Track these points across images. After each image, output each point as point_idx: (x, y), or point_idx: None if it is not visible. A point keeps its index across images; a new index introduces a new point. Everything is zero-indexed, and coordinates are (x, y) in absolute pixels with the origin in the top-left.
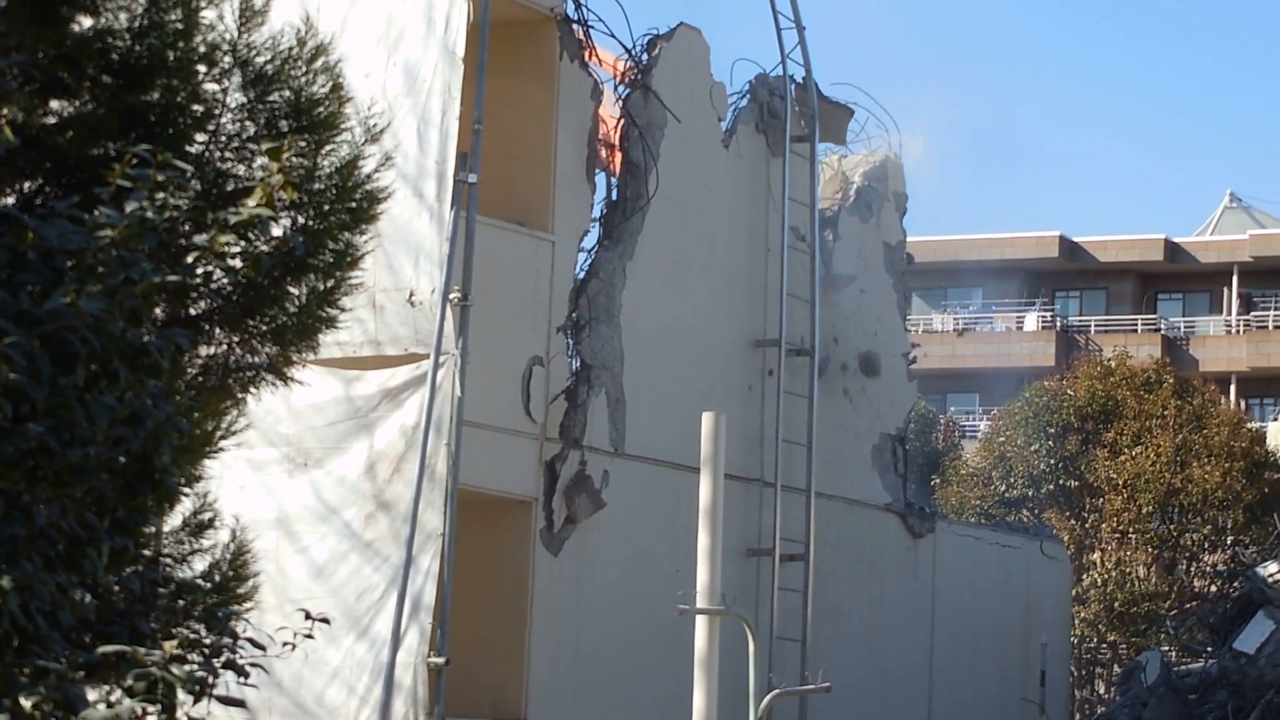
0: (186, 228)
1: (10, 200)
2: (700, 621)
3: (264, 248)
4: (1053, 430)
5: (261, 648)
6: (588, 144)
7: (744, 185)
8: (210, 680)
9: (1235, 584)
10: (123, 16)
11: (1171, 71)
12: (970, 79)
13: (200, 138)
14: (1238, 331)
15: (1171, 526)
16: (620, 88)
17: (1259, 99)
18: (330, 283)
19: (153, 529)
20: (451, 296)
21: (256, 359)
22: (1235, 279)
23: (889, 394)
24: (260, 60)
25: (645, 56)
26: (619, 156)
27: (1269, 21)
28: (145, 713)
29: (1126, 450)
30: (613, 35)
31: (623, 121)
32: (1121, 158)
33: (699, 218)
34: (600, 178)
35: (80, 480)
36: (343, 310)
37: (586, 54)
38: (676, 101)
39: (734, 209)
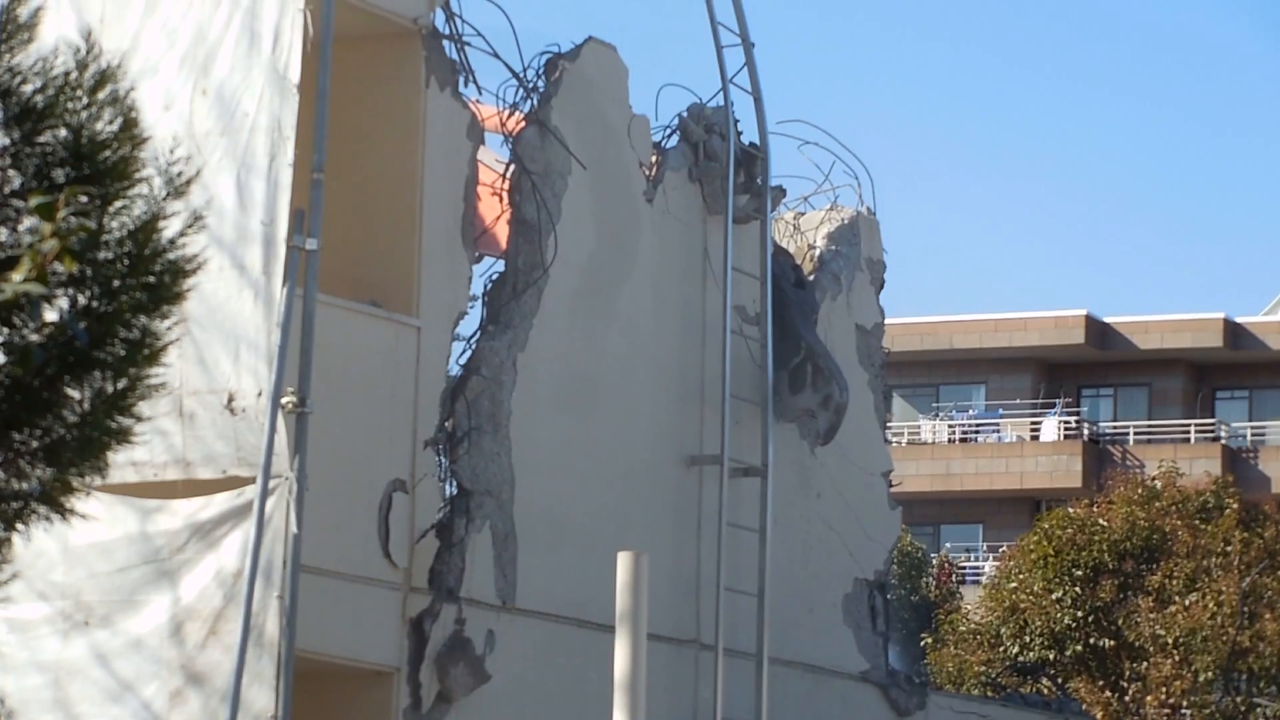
0: None
1: None
2: None
3: (34, 336)
4: (1080, 573)
5: None
6: (464, 198)
7: (674, 251)
8: None
9: None
10: None
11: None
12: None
13: None
14: None
15: (1238, 699)
16: (504, 141)
17: None
18: (122, 383)
19: None
20: (284, 401)
21: (25, 485)
22: None
23: (865, 526)
24: (27, 90)
25: (542, 82)
26: (507, 224)
27: None
28: None
29: (1178, 599)
30: (496, 55)
31: (511, 174)
32: (1161, 231)
33: (614, 294)
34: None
35: None
36: (139, 419)
37: (462, 78)
38: (584, 142)
39: (660, 282)
